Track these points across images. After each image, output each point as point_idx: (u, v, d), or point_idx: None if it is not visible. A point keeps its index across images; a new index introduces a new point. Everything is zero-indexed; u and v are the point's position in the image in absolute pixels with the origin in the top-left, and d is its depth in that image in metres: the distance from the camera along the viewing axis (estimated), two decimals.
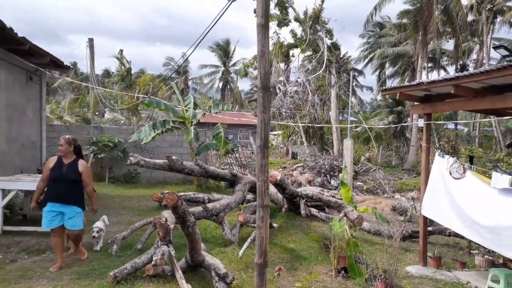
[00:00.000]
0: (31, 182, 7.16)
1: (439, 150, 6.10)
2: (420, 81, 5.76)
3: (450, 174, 5.57)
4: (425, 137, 6.47)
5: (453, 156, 5.82)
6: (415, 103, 6.62)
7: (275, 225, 7.77)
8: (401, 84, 6.37)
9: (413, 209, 10.56)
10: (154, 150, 14.04)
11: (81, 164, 5.43)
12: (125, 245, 6.46)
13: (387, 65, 39.04)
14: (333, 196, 6.98)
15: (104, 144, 13.20)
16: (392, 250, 5.59)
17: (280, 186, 7.47)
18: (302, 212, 7.79)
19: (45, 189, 5.33)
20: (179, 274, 4.85)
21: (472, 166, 5.65)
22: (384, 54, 34.98)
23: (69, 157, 5.38)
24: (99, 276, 5.13)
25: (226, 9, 5.43)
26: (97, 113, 19.67)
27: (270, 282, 5.15)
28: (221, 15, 5.57)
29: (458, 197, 5.35)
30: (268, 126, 2.92)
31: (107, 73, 40.43)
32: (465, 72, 4.98)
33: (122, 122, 17.70)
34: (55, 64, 10.59)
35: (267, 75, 2.92)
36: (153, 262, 4.89)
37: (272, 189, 8.63)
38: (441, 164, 5.84)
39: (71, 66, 13.67)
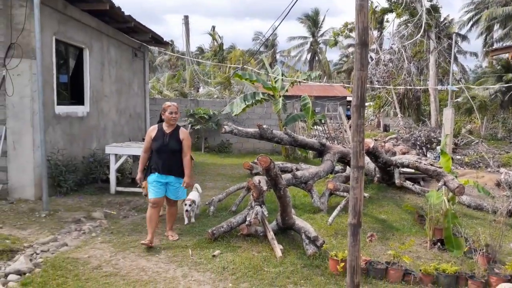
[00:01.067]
0: (138, 148, 7.95)
1: None
2: None
3: None
4: None
5: None
6: None
7: (366, 194, 7.64)
8: None
9: None
10: (245, 122, 14.54)
11: (183, 131, 5.12)
12: (221, 207, 6.92)
13: (496, 27, 34.72)
14: (431, 165, 6.56)
15: (200, 116, 14.00)
16: (496, 224, 5.18)
17: (373, 154, 7.27)
18: (397, 181, 7.49)
19: (149, 160, 5.10)
20: (270, 235, 5.08)
21: None
22: (492, 15, 31.09)
23: (171, 126, 5.03)
24: (198, 233, 5.60)
25: None
26: (193, 88, 20.81)
27: (361, 249, 5.12)
28: None
29: None
30: (365, 84, 2.87)
31: (201, 51, 42.28)
32: None
33: (216, 96, 18.53)
34: (156, 40, 11.41)
35: (365, 30, 2.84)
36: (247, 222, 5.18)
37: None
38: None
39: (170, 43, 14.61)
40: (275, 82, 12.80)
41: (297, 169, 8.91)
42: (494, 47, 6.45)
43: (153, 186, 5.00)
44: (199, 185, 6.75)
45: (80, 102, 8.73)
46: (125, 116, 10.64)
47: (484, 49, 34.99)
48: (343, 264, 4.19)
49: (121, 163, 8.11)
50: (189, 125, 13.12)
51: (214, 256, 4.75)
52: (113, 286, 3.95)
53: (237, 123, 14.25)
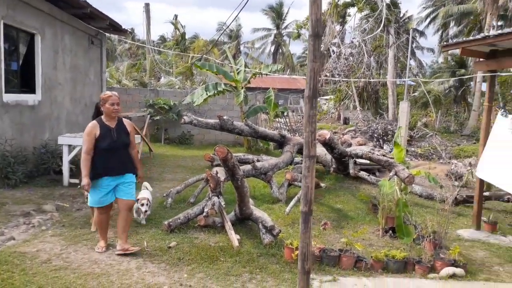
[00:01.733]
0: None
1: (502, 110, 5.72)
2: (486, 34, 5.35)
3: None
4: (487, 95, 6.08)
5: None
6: (480, 59, 6.18)
7: (323, 185, 7.81)
8: (464, 39, 5.96)
9: (469, 174, 10.08)
10: (207, 113, 14.40)
11: (128, 123, 4.61)
12: (179, 199, 6.85)
13: (451, 24, 36.30)
14: (383, 155, 6.81)
15: (160, 106, 13.73)
16: (443, 213, 5.45)
17: (329, 145, 7.42)
18: (351, 171, 7.71)
19: (95, 162, 4.31)
20: (228, 225, 5.09)
21: None
22: (448, 13, 32.47)
23: (113, 119, 4.41)
24: (155, 225, 5.52)
25: None
26: (153, 78, 20.36)
27: (316, 237, 5.26)
28: None
29: None
30: (317, 76, 2.90)
31: (163, 39, 41.33)
32: None
33: (177, 86, 18.23)
34: (114, 28, 11.03)
35: (319, 22, 2.87)
36: (204, 213, 5.16)
37: (321, 150, 8.58)
38: (504, 124, 5.48)
39: (129, 30, 14.16)
40: (238, 73, 12.75)
41: (258, 161, 8.97)
42: (445, 43, 6.76)
43: (101, 193, 4.36)
44: (148, 184, 6.13)
45: (32, 90, 8.32)
46: (80, 105, 10.26)
47: (438, 48, 36.46)
48: (297, 252, 4.26)
49: (75, 154, 7.82)
50: (148, 116, 12.84)
51: (170, 247, 4.70)
52: (62, 279, 3.83)
53: (198, 114, 14.11)
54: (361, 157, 7.56)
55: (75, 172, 8.01)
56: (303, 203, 3.10)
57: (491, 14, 21.35)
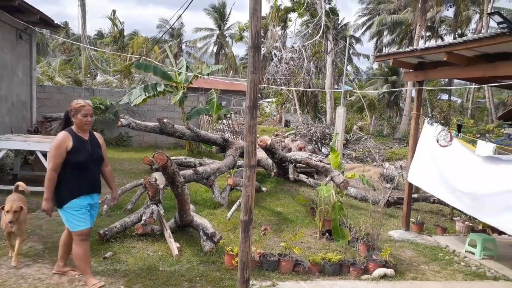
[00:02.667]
0: (21, 142, 7.18)
1: (429, 118, 6.16)
2: (414, 48, 5.73)
3: (437, 141, 5.65)
4: (415, 104, 6.52)
5: (442, 124, 5.89)
6: (409, 70, 6.61)
7: (264, 189, 7.91)
8: (395, 51, 6.34)
9: (400, 177, 10.77)
10: (146, 114, 13.98)
11: (98, 135, 4.13)
12: (116, 206, 6.55)
13: (385, 33, 38.56)
14: (320, 161, 7.08)
15: (96, 106, 13.09)
16: (376, 215, 5.76)
17: (270, 150, 7.54)
18: (291, 176, 7.92)
19: (66, 180, 3.73)
20: (168, 233, 4.98)
21: (459, 134, 5.73)
22: (382, 22, 34.50)
23: (85, 132, 3.90)
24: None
25: None
26: (88, 75, 19.36)
27: (257, 241, 5.31)
28: None
29: (443, 164, 5.46)
30: (257, 87, 2.93)
31: (100, 35, 39.48)
32: (458, 39, 4.96)
33: (114, 85, 17.48)
34: (46, 22, 10.32)
35: (258, 34, 2.89)
36: (142, 221, 5.00)
37: (263, 154, 8.71)
38: (430, 132, 5.91)
39: (62, 26, 13.33)
40: (179, 74, 12.51)
41: (201, 164, 8.89)
42: (379, 53, 7.18)
43: (81, 214, 3.77)
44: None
45: None
46: (7, 104, 9.48)
47: (372, 55, 38.51)
48: (237, 259, 4.28)
49: (0, 158, 7.23)
50: None
51: (105, 258, 4.50)
52: None
53: (137, 115, 13.65)
54: (300, 162, 7.78)
55: (1, 177, 7.41)
56: (243, 212, 3.11)
57: (420, 25, 22.93)
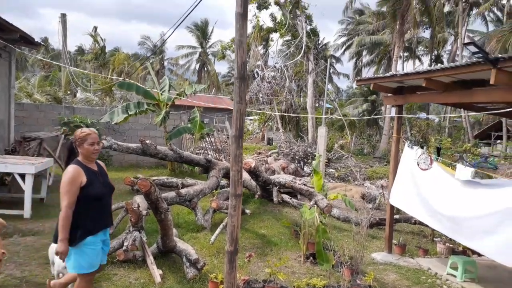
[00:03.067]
0: None
1: (409, 141, 6.29)
2: (394, 73, 5.89)
3: (418, 165, 5.77)
4: (395, 127, 6.66)
5: (422, 147, 6.02)
6: (389, 94, 6.76)
7: (247, 211, 7.87)
8: (375, 75, 6.50)
9: (381, 197, 10.90)
10: (128, 133, 13.82)
11: (103, 164, 3.90)
12: None
13: (364, 53, 39.50)
14: (304, 184, 7.11)
15: (76, 125, 12.86)
16: (359, 237, 5.79)
17: (254, 173, 7.54)
18: (275, 199, 7.93)
19: (81, 216, 3.37)
20: (150, 260, 4.88)
21: (439, 158, 5.87)
22: (361, 42, 35.37)
23: (92, 161, 3.64)
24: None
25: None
26: (68, 92, 19.09)
27: (241, 267, 5.25)
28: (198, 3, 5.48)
29: (424, 187, 5.57)
30: (243, 117, 2.94)
31: (81, 51, 39.15)
32: (436, 66, 5.12)
33: (95, 102, 17.26)
34: (26, 40, 10.19)
35: (244, 65, 2.93)
36: (124, 248, 4.89)
37: (246, 175, 8.68)
38: (410, 155, 6.03)
39: (42, 43, 13.15)
40: (162, 93, 12.47)
41: (183, 184, 8.81)
42: (360, 77, 7.41)
43: (95, 252, 3.45)
44: None
45: None
46: None
47: (353, 79, 39.24)
48: (222, 286, 4.21)
49: None
50: (62, 135, 11.96)
51: None
52: None
53: (118, 133, 13.48)
54: (284, 186, 7.80)
55: None
56: (228, 243, 3.09)
57: (398, 46, 23.61)
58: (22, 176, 6.97)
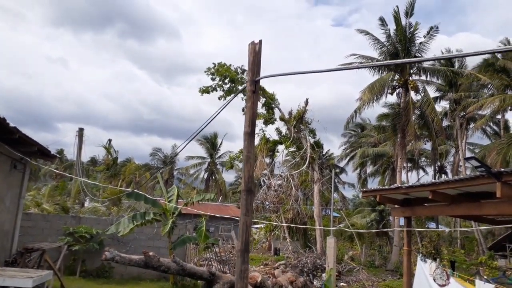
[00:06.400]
0: None
1: (421, 255, 6.10)
2: (399, 185, 5.98)
3: (434, 280, 5.49)
4: (406, 240, 6.50)
5: (435, 260, 5.80)
6: (396, 206, 6.76)
7: None
8: (381, 187, 6.58)
9: None
10: (132, 243, 13.53)
11: None
12: None
13: (368, 163, 40.30)
14: None
15: (81, 235, 12.74)
16: None
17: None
18: None
19: None
20: None
21: (455, 272, 5.61)
22: (364, 154, 36.33)
23: None
24: None
25: (222, 109, 5.74)
26: (77, 202, 19.26)
27: None
28: (216, 115, 5.86)
29: None
30: (249, 229, 2.94)
31: (93, 161, 40.55)
32: (441, 179, 5.22)
33: (101, 212, 17.28)
34: (42, 152, 10.65)
35: (251, 179, 3.03)
36: None
37: None
38: (424, 269, 5.79)
39: (57, 155, 13.74)
40: (169, 202, 12.55)
41: None
42: (365, 189, 7.56)
43: None
44: None
45: None
46: None
47: (359, 186, 39.46)
48: None
49: None
50: (66, 246, 11.73)
51: None
52: None
53: (122, 244, 13.22)
54: None
55: None
56: None
57: (401, 158, 24.20)
58: None
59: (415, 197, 6.42)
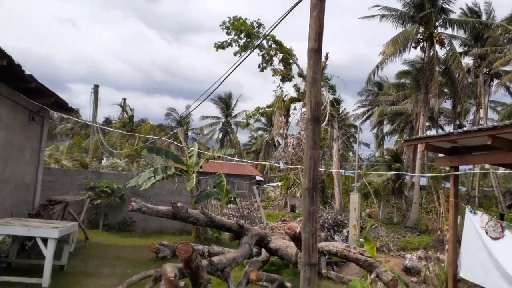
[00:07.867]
0: (20, 227, 6.58)
1: (469, 206, 5.67)
2: (450, 131, 5.45)
3: (487, 233, 5.09)
4: (452, 191, 6.07)
5: (486, 213, 5.38)
6: (441, 155, 6.27)
7: (288, 284, 7.08)
8: (427, 135, 6.06)
9: (426, 270, 9.89)
10: (153, 197, 13.40)
11: None
12: None
13: (385, 122, 39.51)
14: (361, 254, 6.28)
15: (102, 190, 12.63)
16: None
17: (299, 240, 6.86)
18: (324, 271, 7.07)
19: None
20: None
21: (510, 224, 5.18)
22: (383, 112, 35.49)
23: None
24: None
25: (242, 61, 5.27)
26: (95, 159, 19.17)
27: None
28: (235, 68, 5.38)
29: (501, 257, 4.83)
30: (318, 165, 2.51)
31: (108, 121, 40.48)
32: (505, 122, 4.67)
33: (121, 168, 17.17)
34: (59, 105, 10.29)
35: (318, 106, 2.57)
36: None
37: (280, 243, 8.04)
38: (475, 222, 5.38)
39: (76, 109, 13.43)
40: (190, 157, 12.27)
41: (210, 252, 8.18)
42: (407, 138, 7.08)
43: None
44: None
45: None
46: (9, 187, 8.99)
47: (397, 139, 38.47)
48: None
49: None
50: (88, 200, 11.64)
51: None
52: None
53: (144, 198, 13.05)
54: (335, 254, 7.01)
55: None
56: None
57: (423, 115, 23.43)
58: (44, 240, 6.51)
59: (463, 145, 5.92)
